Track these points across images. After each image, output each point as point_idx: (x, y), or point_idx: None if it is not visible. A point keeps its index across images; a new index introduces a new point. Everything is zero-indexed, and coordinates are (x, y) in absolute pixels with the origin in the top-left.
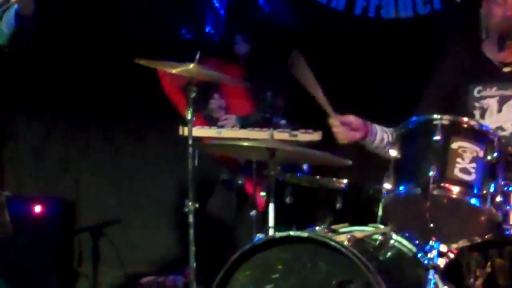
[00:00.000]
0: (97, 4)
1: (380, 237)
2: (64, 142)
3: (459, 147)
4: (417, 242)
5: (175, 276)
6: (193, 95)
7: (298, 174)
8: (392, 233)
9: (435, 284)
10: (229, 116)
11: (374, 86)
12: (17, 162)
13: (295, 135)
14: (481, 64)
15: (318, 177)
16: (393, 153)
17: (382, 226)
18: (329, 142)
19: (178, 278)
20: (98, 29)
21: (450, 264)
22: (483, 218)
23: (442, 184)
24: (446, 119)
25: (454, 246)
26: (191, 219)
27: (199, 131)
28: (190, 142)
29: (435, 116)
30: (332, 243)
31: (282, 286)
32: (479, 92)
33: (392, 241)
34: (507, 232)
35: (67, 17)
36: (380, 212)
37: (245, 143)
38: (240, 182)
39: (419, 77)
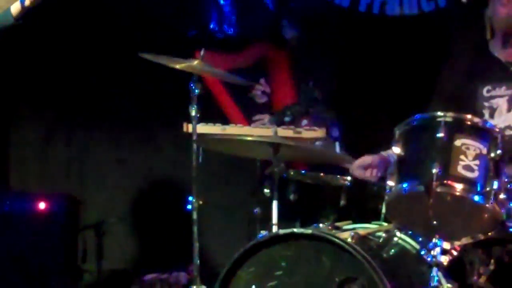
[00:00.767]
0: (102, 1)
1: (383, 235)
2: (69, 138)
3: (463, 144)
4: (420, 239)
5: (179, 273)
6: (197, 92)
7: (302, 171)
8: (395, 230)
9: (438, 281)
10: (263, 116)
11: (378, 83)
12: (21, 159)
13: (299, 132)
14: (489, 63)
15: (322, 174)
16: (397, 150)
17: (385, 224)
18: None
19: (182, 275)
20: (102, 25)
21: (454, 262)
22: (486, 215)
23: (445, 181)
24: (449, 116)
25: (457, 243)
26: (195, 216)
27: (203, 128)
28: (194, 138)
29: (439, 113)
30: (336, 240)
31: (285, 283)
32: (488, 91)
33: (395, 239)
34: (510, 229)
35: (71, 14)
36: (383, 210)
37: (249, 139)
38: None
39: (423, 75)
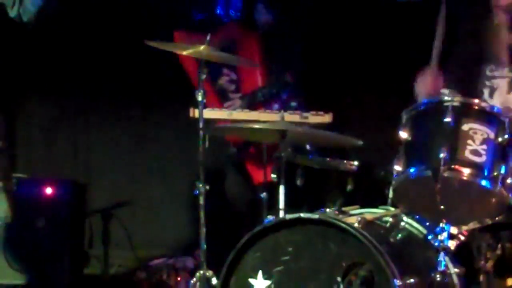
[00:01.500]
0: None
1: (390, 219)
2: (75, 124)
3: (470, 128)
4: (427, 224)
5: (186, 258)
6: (204, 76)
7: (309, 156)
8: (402, 215)
9: (446, 265)
10: (234, 102)
11: (383, 68)
12: (28, 144)
13: (306, 117)
14: (494, 45)
15: (328, 159)
16: (404, 135)
17: (392, 208)
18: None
19: (188, 260)
20: (110, 10)
21: (461, 246)
22: (493, 200)
23: (452, 166)
24: (457, 101)
25: (464, 228)
26: (201, 201)
27: (210, 113)
28: (200, 124)
29: (446, 97)
30: (343, 225)
31: (292, 268)
32: (491, 71)
33: (402, 223)
34: None
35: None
36: (390, 194)
37: (256, 125)
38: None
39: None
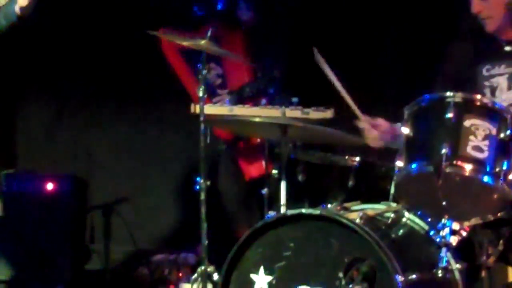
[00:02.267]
0: None
1: (392, 215)
2: (76, 119)
3: (472, 124)
4: (429, 220)
5: (187, 254)
6: (205, 72)
7: (311, 152)
8: (404, 211)
9: (448, 261)
10: (222, 97)
11: (385, 63)
12: (29, 139)
13: (307, 113)
14: (489, 43)
15: (330, 154)
16: (406, 130)
17: (394, 204)
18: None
19: (190, 255)
20: (108, 6)
21: (463, 242)
22: (495, 196)
23: (454, 162)
24: (459, 97)
25: (466, 224)
26: (202, 196)
27: (210, 109)
28: (201, 119)
29: (448, 93)
30: (344, 220)
31: (294, 264)
32: (488, 70)
33: (404, 219)
34: None
35: None
36: (392, 190)
37: (258, 120)
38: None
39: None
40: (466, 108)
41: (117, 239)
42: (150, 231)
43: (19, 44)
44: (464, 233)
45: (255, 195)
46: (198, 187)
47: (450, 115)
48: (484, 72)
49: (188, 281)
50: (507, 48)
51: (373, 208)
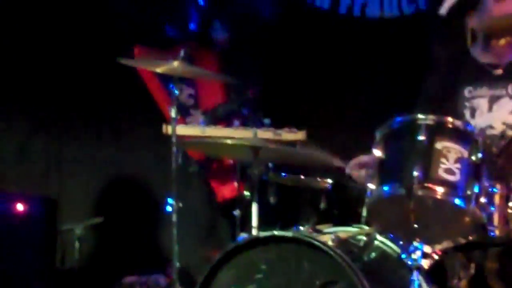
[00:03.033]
0: (82, 4)
1: (364, 238)
2: (47, 140)
3: (444, 147)
4: (401, 243)
5: (158, 276)
6: (178, 93)
7: (283, 174)
8: (376, 233)
9: (419, 285)
10: (195, 118)
11: (359, 86)
12: None
13: (279, 134)
14: (471, 66)
15: (302, 176)
16: (377, 153)
17: (366, 227)
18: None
19: (161, 277)
20: (82, 27)
21: (434, 265)
22: (467, 219)
23: (426, 185)
24: (430, 119)
25: (438, 247)
26: (174, 218)
27: (182, 130)
28: (173, 140)
29: (420, 116)
30: (317, 243)
31: (265, 286)
32: (469, 92)
33: (376, 242)
34: (491, 234)
35: (50, 14)
36: (364, 213)
37: (229, 142)
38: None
39: (404, 77)
40: (438, 130)
41: (88, 260)
42: (121, 252)
43: None
44: (436, 256)
45: (227, 216)
46: (169, 208)
47: (421, 137)
48: (466, 94)
49: None
50: (489, 71)
51: (345, 231)
